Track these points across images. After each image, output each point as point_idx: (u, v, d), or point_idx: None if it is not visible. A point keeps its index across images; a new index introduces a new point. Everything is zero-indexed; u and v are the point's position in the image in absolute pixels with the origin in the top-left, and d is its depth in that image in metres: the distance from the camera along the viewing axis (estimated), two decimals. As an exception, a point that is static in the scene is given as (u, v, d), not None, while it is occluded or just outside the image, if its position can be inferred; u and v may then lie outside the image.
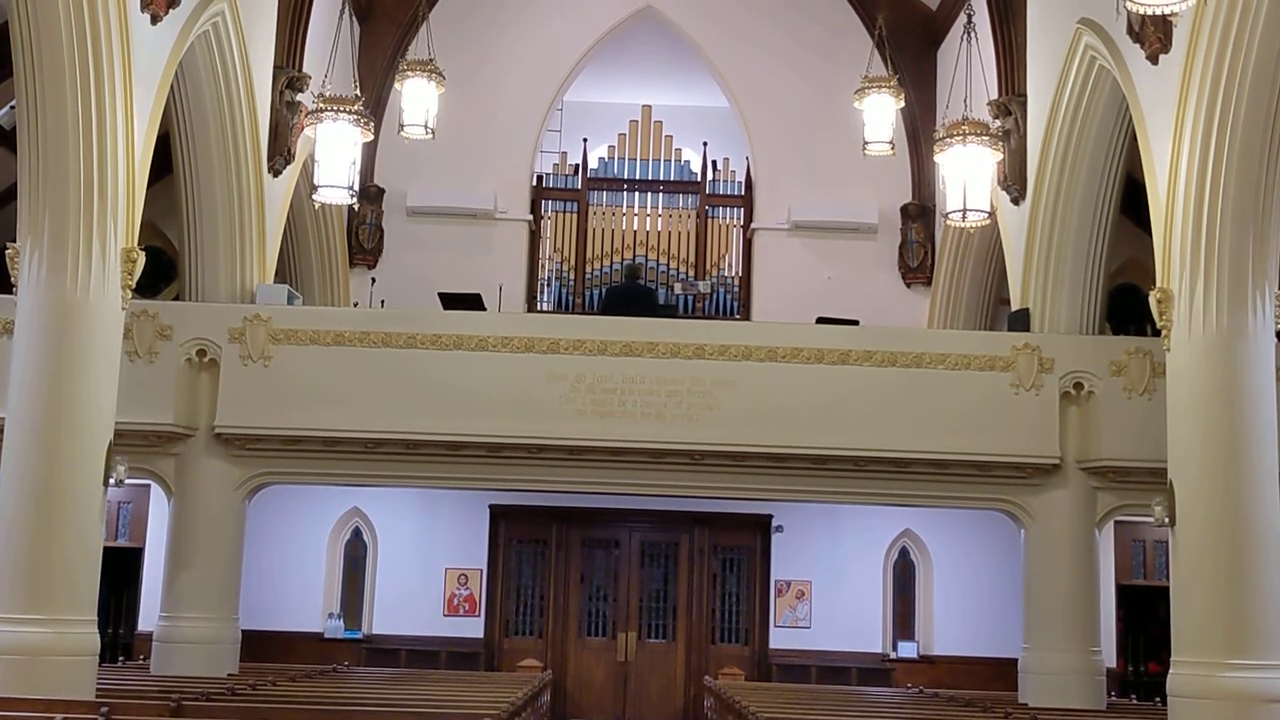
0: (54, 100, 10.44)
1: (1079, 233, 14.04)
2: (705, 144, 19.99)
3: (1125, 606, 16.71)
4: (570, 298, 19.33)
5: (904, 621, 17.27)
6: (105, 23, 10.47)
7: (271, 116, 14.86)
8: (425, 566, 17.08)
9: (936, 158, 13.63)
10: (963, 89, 14.82)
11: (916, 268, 18.92)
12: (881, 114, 14.41)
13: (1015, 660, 13.78)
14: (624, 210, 19.83)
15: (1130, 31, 11.53)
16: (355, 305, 17.64)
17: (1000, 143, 13.83)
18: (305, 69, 15.26)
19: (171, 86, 12.24)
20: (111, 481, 11.03)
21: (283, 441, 13.63)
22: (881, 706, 12.80)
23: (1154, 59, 11.26)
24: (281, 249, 15.78)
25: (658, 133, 20.13)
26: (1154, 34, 11.16)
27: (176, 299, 15.43)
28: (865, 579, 17.19)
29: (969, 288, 17.74)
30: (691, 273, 19.40)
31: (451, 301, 14.85)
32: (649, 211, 19.85)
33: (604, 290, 18.53)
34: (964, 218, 13.53)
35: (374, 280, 17.95)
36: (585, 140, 20.06)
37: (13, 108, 11.43)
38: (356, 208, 18.20)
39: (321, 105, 13.21)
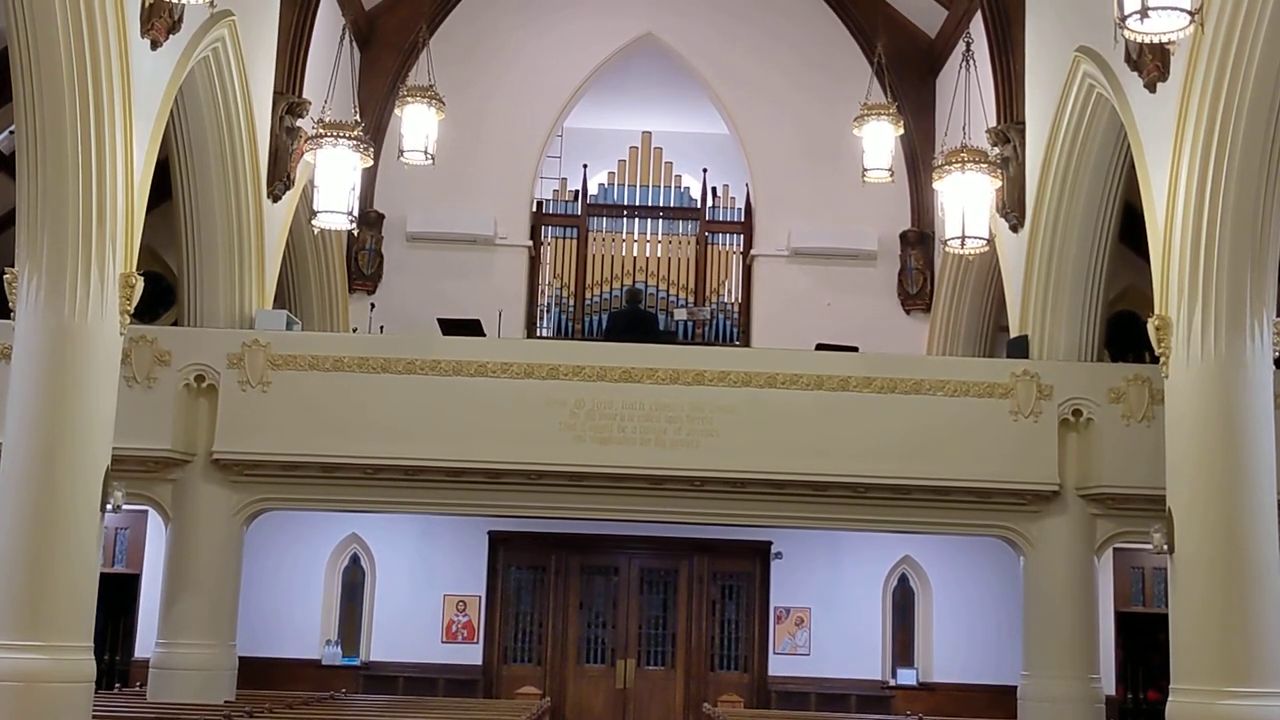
0: (53, 125, 10.47)
1: (1077, 260, 14.06)
2: (705, 170, 20.02)
3: (1124, 634, 16.64)
4: (570, 323, 19.33)
5: (903, 649, 17.19)
6: (105, 48, 10.50)
7: (271, 142, 14.87)
8: (424, 593, 17.00)
9: (935, 185, 13.72)
10: (961, 116, 14.86)
11: (916, 294, 18.92)
12: (880, 141, 14.48)
13: (1015, 688, 13.75)
14: (624, 236, 19.84)
15: (1128, 60, 11.56)
16: (354, 331, 17.65)
17: (999, 170, 13.88)
18: (305, 94, 15.29)
19: (171, 112, 12.27)
20: (109, 507, 11.02)
21: (281, 467, 13.62)
22: (881, 734, 12.77)
23: (1152, 87, 11.30)
24: (281, 274, 15.79)
25: (658, 159, 20.15)
26: (1152, 62, 11.19)
27: (175, 324, 15.43)
28: (865, 606, 17.12)
29: (968, 314, 17.75)
30: (691, 299, 19.41)
31: (451, 327, 14.86)
32: (649, 238, 19.86)
33: (605, 316, 18.56)
34: (963, 245, 13.61)
35: (373, 306, 17.96)
36: (585, 166, 20.09)
37: (12, 133, 11.44)
38: (356, 233, 18.23)
39: (321, 131, 13.26)
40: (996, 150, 14.76)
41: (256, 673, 15.14)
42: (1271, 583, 10.36)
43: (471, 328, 14.90)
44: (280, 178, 14.95)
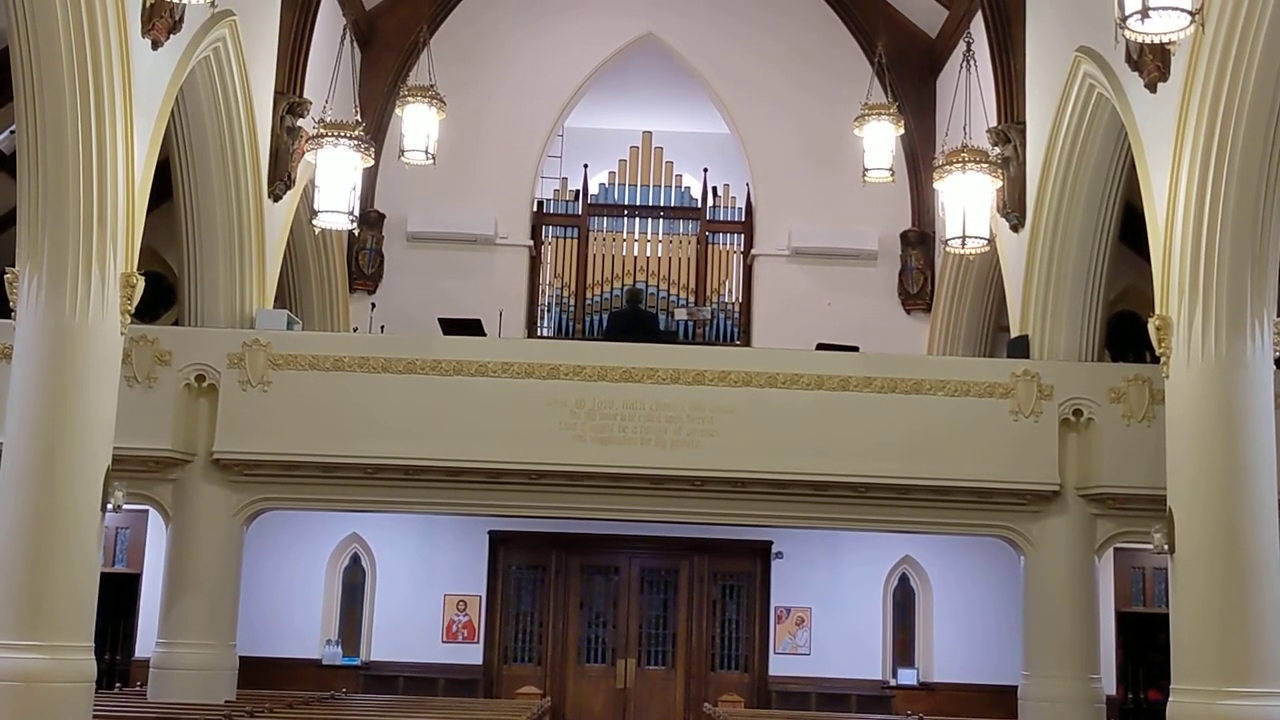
0: (54, 125, 10.47)
1: (1078, 260, 14.06)
2: (706, 170, 20.02)
3: (1125, 634, 16.64)
4: (570, 323, 19.34)
5: (904, 648, 17.20)
6: (106, 48, 10.50)
7: (272, 142, 14.87)
8: (424, 593, 17.00)
9: (936, 185, 13.70)
10: (962, 116, 14.86)
11: (916, 294, 18.92)
12: (881, 141, 14.48)
13: (1015, 688, 13.74)
14: (624, 236, 19.85)
15: (1129, 60, 11.55)
16: (355, 330, 17.65)
17: (999, 170, 13.87)
18: (306, 94, 15.29)
19: (172, 112, 12.27)
20: (109, 507, 11.02)
21: (281, 467, 13.62)
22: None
23: (1152, 87, 11.29)
24: (281, 274, 15.79)
25: (658, 159, 20.16)
26: (1152, 62, 11.19)
27: (175, 324, 15.43)
28: (865, 606, 17.13)
29: (968, 314, 17.75)
30: (692, 299, 19.41)
31: (451, 327, 14.86)
32: (649, 237, 19.87)
33: (606, 316, 18.56)
34: (963, 244, 13.59)
35: (374, 305, 17.97)
36: (586, 166, 20.09)
37: (13, 132, 11.44)
38: (357, 233, 18.25)
39: (322, 130, 13.25)
40: (997, 150, 14.76)
41: (257, 672, 15.14)
42: (1271, 583, 10.36)
43: (472, 327, 14.90)
44: (281, 177, 14.95)
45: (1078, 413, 13.52)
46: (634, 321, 16.13)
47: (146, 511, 15.56)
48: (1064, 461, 13.52)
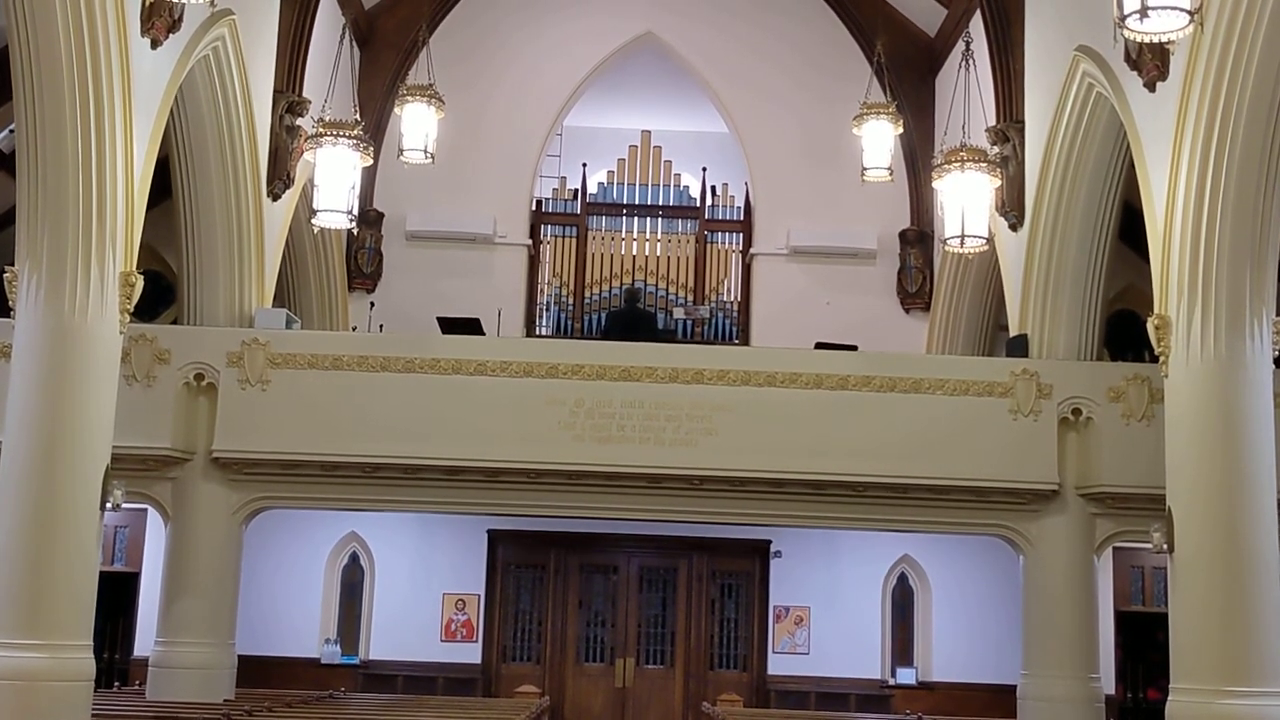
0: (53, 124, 10.46)
1: (1077, 259, 14.06)
2: (704, 169, 20.04)
3: (1124, 633, 16.65)
4: (569, 322, 19.34)
5: (903, 648, 17.20)
6: (105, 47, 10.49)
7: (271, 141, 14.86)
8: (423, 592, 17.01)
9: (935, 184, 13.72)
10: (961, 115, 14.86)
11: (915, 293, 18.93)
12: (880, 140, 14.51)
13: (1014, 687, 13.75)
14: (623, 235, 19.85)
15: (1128, 59, 11.56)
16: (354, 329, 17.65)
17: (998, 169, 13.89)
18: (305, 93, 15.29)
19: (171, 110, 12.26)
20: (108, 506, 11.01)
21: (280, 466, 13.62)
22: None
23: (1151, 86, 11.29)
24: (280, 273, 15.78)
25: (657, 158, 20.16)
26: (1151, 62, 11.19)
27: (175, 323, 15.43)
28: (864, 605, 17.13)
29: (967, 313, 17.74)
30: (690, 298, 19.42)
31: (450, 326, 14.87)
32: (648, 236, 19.88)
33: (604, 315, 18.57)
34: (962, 244, 13.62)
35: (373, 304, 17.96)
36: (585, 165, 20.09)
37: (12, 131, 11.43)
38: (355, 232, 18.25)
39: (321, 130, 13.26)
40: (996, 149, 14.76)
41: (256, 671, 15.14)
42: (1271, 583, 10.35)
43: (471, 326, 14.91)
44: (280, 176, 14.94)
45: (1077, 412, 13.52)
46: (632, 320, 16.15)
47: (145, 510, 15.56)
48: (1063, 461, 13.52)
